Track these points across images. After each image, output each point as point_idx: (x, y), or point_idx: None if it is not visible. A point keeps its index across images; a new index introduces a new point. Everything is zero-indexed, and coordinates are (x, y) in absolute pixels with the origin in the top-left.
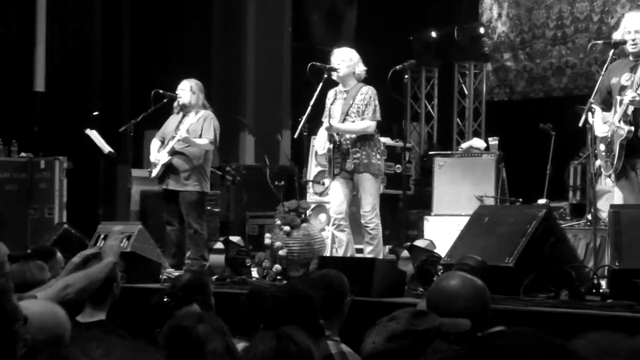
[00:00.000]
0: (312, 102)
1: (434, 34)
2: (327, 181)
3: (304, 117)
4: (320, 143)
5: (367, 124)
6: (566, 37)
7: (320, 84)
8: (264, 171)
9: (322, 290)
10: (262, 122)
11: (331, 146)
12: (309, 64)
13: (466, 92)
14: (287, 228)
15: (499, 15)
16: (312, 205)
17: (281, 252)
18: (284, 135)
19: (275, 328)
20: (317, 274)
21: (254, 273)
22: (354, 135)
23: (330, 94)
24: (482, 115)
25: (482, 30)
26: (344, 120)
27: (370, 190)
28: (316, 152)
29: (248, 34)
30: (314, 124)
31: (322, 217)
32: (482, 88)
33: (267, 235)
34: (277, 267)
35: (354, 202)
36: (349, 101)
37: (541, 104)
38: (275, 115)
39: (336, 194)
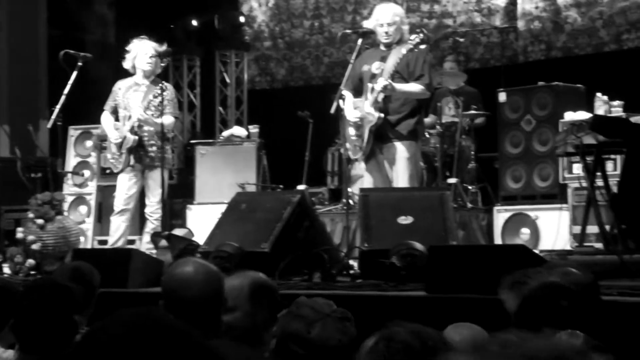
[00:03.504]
0: (66, 91)
1: (194, 22)
2: (86, 172)
3: (58, 107)
4: (112, 132)
5: (173, 120)
6: (323, 26)
7: (74, 73)
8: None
9: (73, 283)
10: (17, 112)
11: (136, 138)
12: (62, 52)
13: (228, 80)
14: (40, 221)
15: (259, 4)
16: (71, 198)
17: (34, 246)
18: (42, 125)
19: (24, 322)
20: (67, 267)
21: (6, 269)
22: (152, 129)
23: (123, 84)
24: (244, 103)
25: (242, 19)
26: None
27: (160, 183)
28: (74, 143)
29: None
30: (69, 112)
31: (83, 209)
32: (244, 77)
33: (20, 229)
34: (30, 261)
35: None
36: (149, 95)
37: (301, 92)
38: (30, 105)
39: (124, 185)
